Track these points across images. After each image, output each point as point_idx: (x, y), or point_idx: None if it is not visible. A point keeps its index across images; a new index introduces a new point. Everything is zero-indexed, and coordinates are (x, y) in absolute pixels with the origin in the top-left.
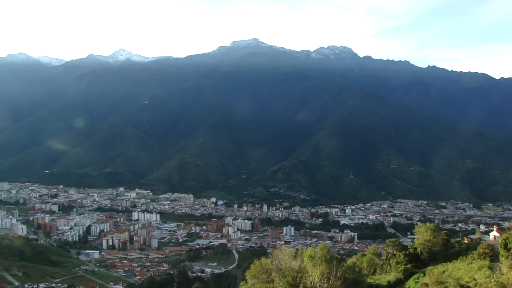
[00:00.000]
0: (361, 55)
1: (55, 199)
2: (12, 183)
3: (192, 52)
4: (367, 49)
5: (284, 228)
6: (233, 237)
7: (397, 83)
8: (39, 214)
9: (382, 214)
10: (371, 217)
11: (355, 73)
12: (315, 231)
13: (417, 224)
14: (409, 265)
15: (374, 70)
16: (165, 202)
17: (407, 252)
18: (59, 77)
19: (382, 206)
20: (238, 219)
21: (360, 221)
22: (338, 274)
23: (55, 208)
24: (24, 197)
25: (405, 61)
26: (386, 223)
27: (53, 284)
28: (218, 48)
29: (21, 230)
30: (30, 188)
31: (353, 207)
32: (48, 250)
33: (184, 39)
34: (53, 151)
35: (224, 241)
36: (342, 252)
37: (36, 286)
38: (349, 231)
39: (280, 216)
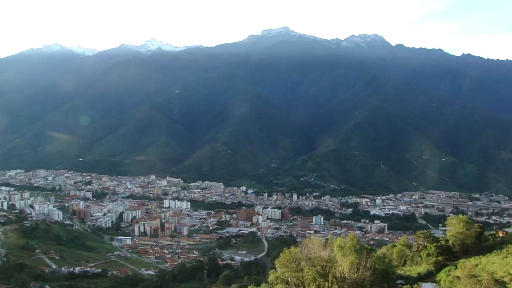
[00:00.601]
0: (393, 43)
1: (89, 186)
2: (48, 170)
3: (223, 41)
4: (399, 37)
5: (314, 218)
6: (262, 225)
7: (430, 72)
8: (74, 201)
9: (413, 205)
10: (401, 207)
11: (386, 62)
12: (345, 221)
13: (449, 216)
14: (440, 258)
15: (406, 58)
16: (195, 190)
17: (439, 244)
18: (92, 66)
19: (413, 197)
20: (268, 208)
21: (390, 212)
22: (367, 265)
23: (89, 195)
24: (59, 184)
25: (439, 49)
26: (417, 214)
27: (88, 268)
28: (249, 37)
29: (58, 215)
30: (65, 175)
31: (383, 197)
32: (83, 236)
33: (214, 28)
34: (87, 139)
35: (253, 229)
36: (372, 243)
37: (72, 269)
38: (379, 222)
39: (310, 205)
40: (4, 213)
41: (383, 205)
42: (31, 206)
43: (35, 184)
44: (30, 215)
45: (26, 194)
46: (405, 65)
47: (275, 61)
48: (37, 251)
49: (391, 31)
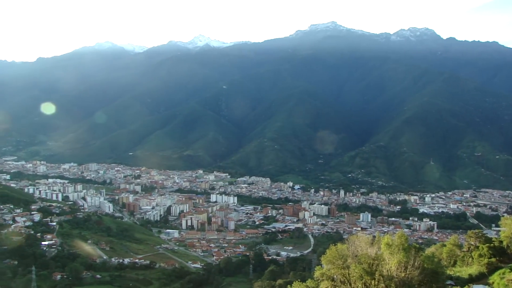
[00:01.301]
0: (444, 37)
1: (138, 180)
2: (99, 164)
3: (270, 36)
4: (450, 30)
5: (361, 215)
6: (309, 221)
7: (484, 65)
8: (123, 194)
9: (464, 204)
10: (452, 206)
11: (437, 56)
12: (393, 219)
13: (503, 216)
14: (493, 259)
15: (458, 52)
16: (242, 185)
17: (492, 245)
18: (142, 63)
19: (464, 195)
20: (314, 203)
21: (440, 210)
22: (416, 264)
23: (138, 188)
24: (110, 177)
25: (494, 41)
26: (468, 213)
27: (137, 260)
28: (296, 32)
29: (108, 208)
30: (116, 169)
31: (433, 195)
32: (132, 228)
33: (262, 24)
34: (136, 134)
35: (300, 225)
36: (420, 241)
37: (121, 260)
38: (428, 220)
39: (357, 202)
40: (59, 205)
41: (433, 203)
42: (84, 198)
43: (87, 177)
44: (82, 207)
45: (79, 187)
46: (457, 59)
47: (323, 56)
48: (89, 241)
49: (442, 24)
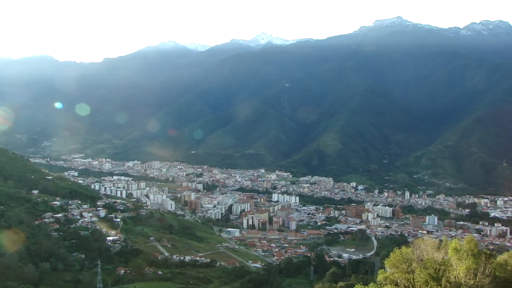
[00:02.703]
0: None
1: (200, 178)
2: (162, 162)
3: (333, 33)
4: None
5: (427, 217)
6: (372, 223)
7: None
8: (185, 192)
9: None
10: None
11: None
12: (461, 222)
13: None
14: None
15: None
16: (304, 185)
17: None
18: (204, 61)
19: None
20: (378, 205)
21: None
22: (486, 271)
23: (200, 186)
24: (172, 175)
25: None
26: None
27: (197, 258)
28: (360, 28)
29: (170, 205)
30: (178, 167)
31: (505, 198)
32: (193, 226)
33: (325, 21)
34: (198, 133)
35: (363, 227)
36: (491, 247)
37: (182, 258)
38: (500, 225)
39: (423, 204)
40: (123, 201)
41: (505, 207)
42: (147, 196)
43: (150, 175)
44: (145, 204)
45: (142, 184)
46: None
47: (388, 52)
48: (151, 238)
49: None
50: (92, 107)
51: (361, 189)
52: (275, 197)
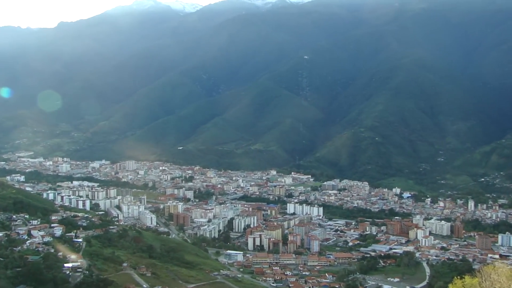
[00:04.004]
0: None
1: (190, 183)
2: (139, 162)
3: None
4: None
5: (500, 236)
6: (423, 243)
7: None
8: (170, 202)
9: None
10: None
11: None
12: None
13: None
14: None
15: None
16: (330, 192)
17: None
18: (195, 27)
19: None
20: (431, 219)
21: None
22: None
23: (190, 194)
24: (153, 180)
25: None
26: None
27: None
28: None
29: (150, 220)
30: (161, 168)
31: None
32: (181, 247)
33: None
34: (187, 122)
35: (410, 248)
36: None
37: None
38: None
39: (494, 218)
40: (86, 215)
41: None
42: (118, 207)
43: (123, 179)
44: (116, 219)
45: (112, 192)
46: None
47: (443, 12)
48: (125, 264)
49: None
50: (45, 89)
51: (408, 197)
52: (290, 208)
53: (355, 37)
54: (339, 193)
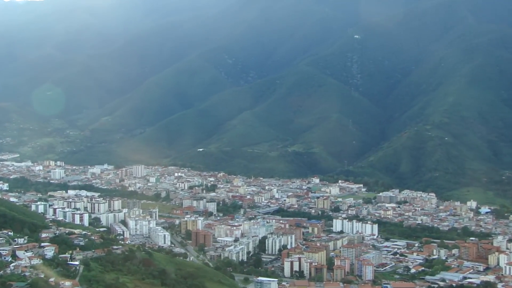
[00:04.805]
0: None
1: (213, 193)
2: (149, 167)
3: None
4: None
5: None
6: (507, 272)
7: None
8: (188, 216)
9: None
10: None
11: None
12: None
13: None
14: None
15: None
16: (387, 205)
17: None
18: (217, 1)
19: None
20: None
21: None
22: None
23: (212, 207)
24: (167, 189)
25: None
26: None
27: None
28: None
29: (163, 239)
30: (176, 174)
31: None
32: (202, 273)
33: None
34: (209, 118)
35: (491, 278)
36: None
37: None
38: None
39: None
40: (84, 232)
41: None
42: (124, 223)
43: (130, 188)
44: (122, 237)
45: (117, 204)
46: None
47: None
48: None
49: None
50: (30, 77)
51: (486, 212)
52: (337, 224)
53: (419, 11)
54: (399, 207)
